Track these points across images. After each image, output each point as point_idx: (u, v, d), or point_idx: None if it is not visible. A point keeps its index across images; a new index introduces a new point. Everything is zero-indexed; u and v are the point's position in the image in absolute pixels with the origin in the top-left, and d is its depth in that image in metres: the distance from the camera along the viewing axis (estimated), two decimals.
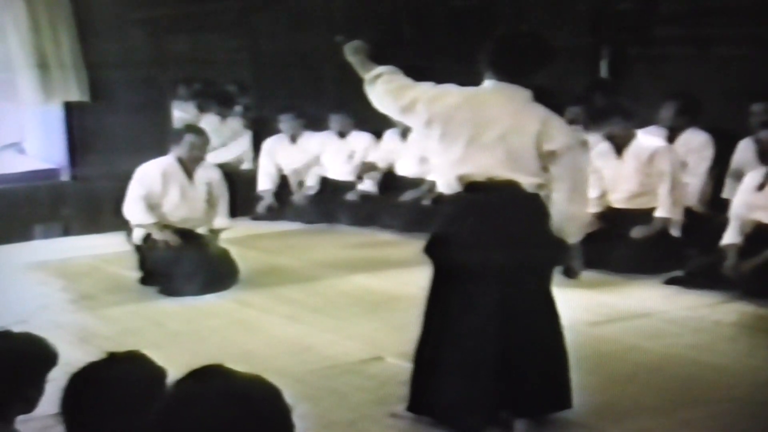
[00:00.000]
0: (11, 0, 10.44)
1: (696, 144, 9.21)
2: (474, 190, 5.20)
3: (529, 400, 5.34)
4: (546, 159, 5.18)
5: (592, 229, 8.81)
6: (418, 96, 5.28)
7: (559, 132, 5.24)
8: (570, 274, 5.68)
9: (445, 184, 5.34)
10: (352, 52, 5.49)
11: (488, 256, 5.14)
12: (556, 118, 5.34)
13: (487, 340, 5.20)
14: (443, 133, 5.23)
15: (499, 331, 5.20)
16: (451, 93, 5.31)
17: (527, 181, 5.17)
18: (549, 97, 5.58)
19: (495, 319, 5.19)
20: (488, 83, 5.31)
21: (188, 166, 8.60)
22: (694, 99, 9.30)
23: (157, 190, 8.52)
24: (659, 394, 5.88)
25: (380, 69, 5.38)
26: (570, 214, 5.31)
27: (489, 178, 5.17)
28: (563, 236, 5.36)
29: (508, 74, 5.27)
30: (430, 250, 5.36)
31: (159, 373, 3.02)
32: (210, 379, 2.23)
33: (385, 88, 5.33)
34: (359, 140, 11.43)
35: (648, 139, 8.81)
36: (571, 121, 9.78)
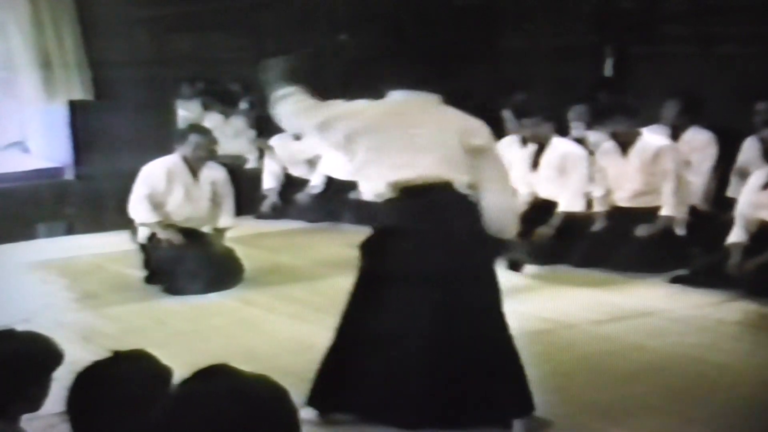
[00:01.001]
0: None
1: (699, 142, 9.19)
2: (408, 194, 5.26)
3: (482, 405, 5.27)
4: (473, 155, 5.31)
5: (596, 227, 8.86)
6: (334, 113, 5.41)
7: (479, 128, 5.41)
8: (515, 267, 5.83)
9: (375, 191, 5.38)
10: (265, 70, 5.62)
11: (427, 259, 5.21)
12: (471, 116, 5.46)
13: (426, 341, 5.21)
14: (371, 144, 5.32)
15: (441, 332, 5.20)
16: (368, 106, 5.44)
17: (462, 179, 5.26)
18: (463, 100, 5.74)
19: (436, 321, 5.20)
20: (397, 94, 5.45)
21: (193, 166, 8.60)
22: (697, 97, 9.29)
23: (161, 189, 8.52)
24: (663, 392, 5.86)
25: (290, 89, 5.48)
26: (506, 206, 5.49)
27: (424, 180, 5.23)
28: (501, 231, 5.46)
29: (415, 84, 5.45)
30: (366, 255, 5.40)
31: (164, 371, 3.01)
32: (215, 378, 2.22)
33: (297, 107, 5.47)
34: None
35: (652, 138, 8.80)
36: (575, 120, 9.82)
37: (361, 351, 5.36)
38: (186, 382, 2.22)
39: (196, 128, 8.91)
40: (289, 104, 5.48)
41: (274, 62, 5.62)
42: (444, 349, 5.23)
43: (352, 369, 5.37)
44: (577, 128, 9.96)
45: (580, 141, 9.50)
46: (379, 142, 5.32)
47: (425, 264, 5.22)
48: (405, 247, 5.25)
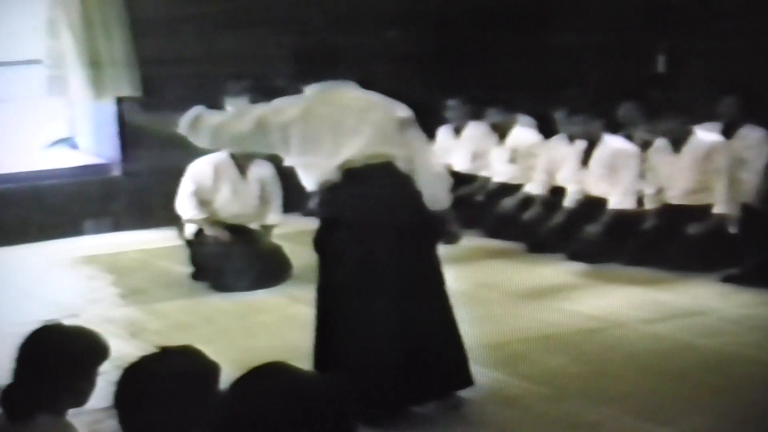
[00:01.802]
0: None
1: (753, 140, 9.06)
2: (352, 176, 5.41)
3: (429, 381, 5.49)
4: (400, 128, 5.50)
5: (647, 225, 8.77)
6: (260, 113, 5.51)
7: (397, 104, 5.59)
8: (450, 239, 5.83)
9: (320, 177, 5.49)
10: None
11: (374, 236, 5.36)
12: (382, 95, 5.64)
13: (384, 328, 5.37)
14: (304, 134, 5.43)
15: (398, 316, 5.37)
16: (291, 101, 5.57)
17: (400, 152, 5.46)
18: (373, 88, 5.82)
19: (393, 305, 5.36)
20: (315, 86, 5.58)
21: (241, 163, 8.60)
22: (753, 93, 9.16)
23: (208, 186, 8.52)
24: (713, 393, 5.81)
25: (192, 112, 5.56)
26: (438, 175, 5.65)
27: (366, 158, 5.41)
28: (437, 202, 5.59)
29: (329, 75, 5.60)
30: (319, 242, 5.56)
31: (212, 367, 2.99)
32: (272, 376, 2.18)
33: (216, 123, 5.55)
34: None
35: (705, 135, 8.70)
36: (625, 118, 9.72)
37: (333, 342, 5.51)
38: (242, 380, 2.19)
39: None
40: (204, 123, 5.53)
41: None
42: (405, 334, 5.37)
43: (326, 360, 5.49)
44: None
45: (631, 138, 9.40)
46: (312, 131, 5.43)
47: (374, 251, 5.35)
48: (352, 236, 5.38)
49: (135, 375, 2.96)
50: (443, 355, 5.56)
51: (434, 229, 5.64)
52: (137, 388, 2.93)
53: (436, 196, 5.57)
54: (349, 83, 5.63)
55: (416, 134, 5.62)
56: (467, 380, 5.66)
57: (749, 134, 9.08)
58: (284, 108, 5.51)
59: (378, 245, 5.37)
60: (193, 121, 5.54)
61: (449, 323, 5.61)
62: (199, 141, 5.66)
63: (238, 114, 5.67)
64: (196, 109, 5.58)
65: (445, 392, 5.64)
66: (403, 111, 5.58)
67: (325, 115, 5.45)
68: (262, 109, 5.58)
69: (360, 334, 5.39)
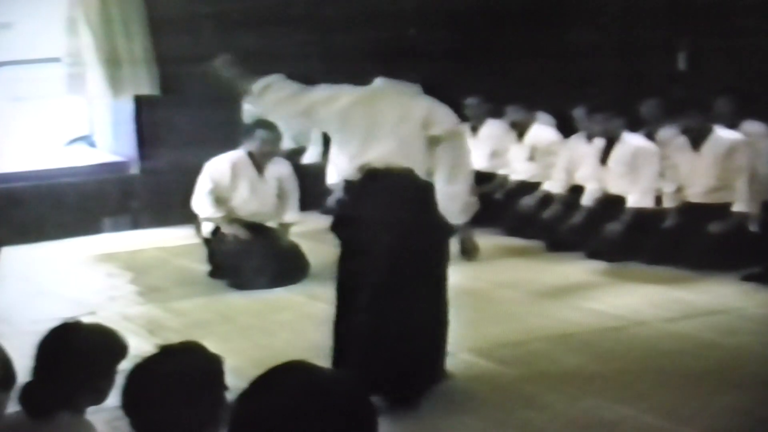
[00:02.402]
0: None
1: (754, 135, 8.96)
2: (372, 176, 5.68)
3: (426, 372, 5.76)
4: (432, 143, 5.63)
5: (667, 223, 8.73)
6: (314, 100, 5.76)
7: (442, 118, 5.70)
8: (465, 254, 6.01)
9: (344, 174, 5.79)
10: (227, 66, 5.95)
11: (378, 236, 5.59)
12: (441, 106, 5.74)
13: (368, 317, 5.60)
14: (340, 130, 5.83)
15: (378, 310, 5.59)
16: (344, 94, 5.78)
17: (422, 167, 5.64)
18: (440, 90, 5.93)
19: (377, 297, 5.59)
20: (378, 81, 5.80)
21: (259, 161, 8.59)
22: (746, 93, 9.14)
23: (225, 184, 8.52)
24: (734, 391, 5.77)
25: (268, 79, 5.78)
26: (451, 194, 5.68)
27: (383, 165, 5.66)
28: (449, 216, 5.73)
29: (395, 72, 5.77)
30: (336, 230, 5.90)
31: (215, 362, 2.98)
32: (293, 374, 2.16)
33: (278, 96, 5.80)
34: None
35: (725, 133, 8.65)
36: (647, 115, 9.68)
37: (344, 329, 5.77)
38: (262, 379, 2.16)
39: (262, 123, 8.86)
40: (270, 94, 5.78)
41: (230, 57, 5.98)
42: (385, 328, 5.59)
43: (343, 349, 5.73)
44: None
45: (651, 136, 9.36)
46: (345, 130, 5.77)
47: (373, 241, 5.60)
48: (362, 222, 5.69)
49: (139, 377, 2.95)
50: (436, 348, 5.87)
51: (441, 234, 5.82)
52: (142, 390, 2.92)
53: (447, 210, 5.69)
54: (411, 87, 5.75)
55: (449, 151, 5.68)
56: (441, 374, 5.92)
57: (749, 130, 9.00)
58: (333, 99, 5.74)
59: (380, 242, 5.59)
60: (266, 86, 5.77)
61: (436, 324, 5.84)
62: (264, 106, 6.02)
63: (299, 94, 5.79)
64: (275, 76, 5.78)
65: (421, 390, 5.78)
66: (443, 126, 5.67)
67: (361, 116, 5.67)
68: (325, 92, 5.79)
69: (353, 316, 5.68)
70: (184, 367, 2.94)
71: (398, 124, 5.63)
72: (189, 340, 3.11)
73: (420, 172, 5.64)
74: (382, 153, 5.64)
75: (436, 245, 5.80)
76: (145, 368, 2.97)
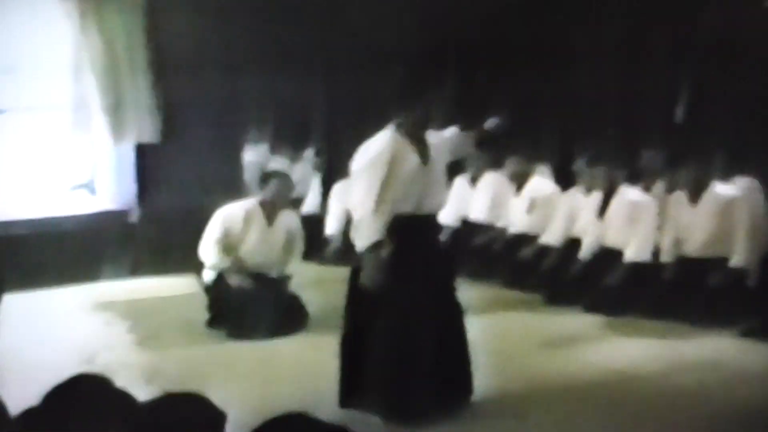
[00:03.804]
0: (91, 41, 10.54)
1: (745, 190, 9.00)
2: (411, 222, 6.20)
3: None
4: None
5: (665, 276, 8.73)
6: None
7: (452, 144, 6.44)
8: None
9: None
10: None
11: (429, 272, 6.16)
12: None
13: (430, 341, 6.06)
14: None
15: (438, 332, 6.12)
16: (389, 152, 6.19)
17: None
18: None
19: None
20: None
21: (270, 211, 8.59)
22: (741, 148, 9.17)
23: (237, 232, 8.49)
24: None
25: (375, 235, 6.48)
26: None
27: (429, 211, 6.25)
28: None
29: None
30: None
31: (217, 414, 2.97)
32: (292, 426, 2.17)
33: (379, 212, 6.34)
34: None
35: (722, 188, 8.68)
36: (646, 167, 9.71)
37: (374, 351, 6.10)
38: (262, 429, 2.17)
39: (277, 174, 8.87)
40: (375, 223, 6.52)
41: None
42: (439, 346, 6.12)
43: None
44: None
45: (648, 189, 9.39)
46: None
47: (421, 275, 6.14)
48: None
49: (138, 422, 2.95)
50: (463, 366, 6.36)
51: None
52: None
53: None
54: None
55: None
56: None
57: (741, 186, 9.02)
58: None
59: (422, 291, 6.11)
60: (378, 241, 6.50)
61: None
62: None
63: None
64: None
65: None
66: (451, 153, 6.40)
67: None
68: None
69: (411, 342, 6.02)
70: (186, 416, 2.93)
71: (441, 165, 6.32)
72: (192, 391, 3.10)
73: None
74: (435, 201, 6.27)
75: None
76: (144, 413, 2.96)
